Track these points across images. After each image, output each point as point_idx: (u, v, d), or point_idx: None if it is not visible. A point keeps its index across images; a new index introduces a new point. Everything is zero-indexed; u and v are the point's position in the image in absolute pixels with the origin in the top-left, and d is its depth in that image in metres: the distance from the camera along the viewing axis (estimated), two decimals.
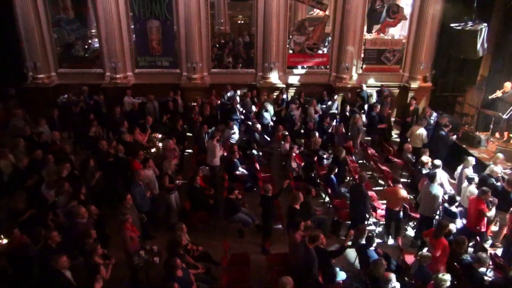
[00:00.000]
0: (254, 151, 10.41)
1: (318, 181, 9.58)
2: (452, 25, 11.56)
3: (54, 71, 13.47)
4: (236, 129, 11.14)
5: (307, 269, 5.96)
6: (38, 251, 6.03)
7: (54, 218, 6.80)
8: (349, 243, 6.54)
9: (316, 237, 6.11)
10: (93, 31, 13.31)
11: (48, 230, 6.13)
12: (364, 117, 12.45)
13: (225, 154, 9.93)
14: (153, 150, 9.77)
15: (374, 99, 13.23)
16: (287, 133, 10.78)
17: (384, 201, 8.07)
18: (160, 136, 10.37)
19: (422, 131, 10.28)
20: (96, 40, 13.32)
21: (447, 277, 5.35)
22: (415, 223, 8.33)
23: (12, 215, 6.88)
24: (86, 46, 13.51)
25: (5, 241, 6.12)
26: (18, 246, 6.04)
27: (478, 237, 7.11)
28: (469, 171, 8.31)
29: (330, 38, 13.59)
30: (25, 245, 6.15)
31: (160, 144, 9.91)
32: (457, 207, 7.52)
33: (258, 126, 11.07)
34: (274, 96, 13.23)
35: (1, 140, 9.69)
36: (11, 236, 6.10)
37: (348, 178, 10.07)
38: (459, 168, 8.66)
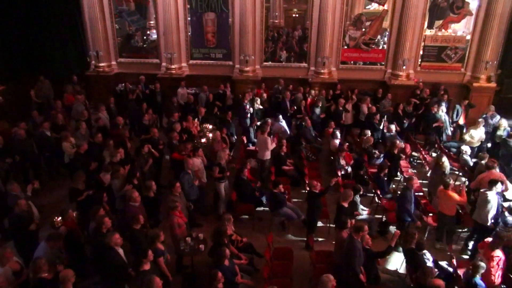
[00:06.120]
0: (303, 147, 10.33)
1: (367, 180, 9.35)
2: None
3: (114, 60, 14.11)
4: (284, 123, 11.09)
5: (347, 259, 5.86)
6: (93, 231, 6.37)
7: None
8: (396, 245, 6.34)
9: (360, 227, 5.96)
10: (151, 22, 13.75)
11: (102, 214, 6.38)
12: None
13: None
14: (203, 140, 9.98)
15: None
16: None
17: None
18: (210, 127, 10.56)
19: (479, 133, 9.73)
20: (154, 31, 13.77)
21: None
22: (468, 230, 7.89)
23: (71, 195, 7.33)
24: (145, 37, 13.99)
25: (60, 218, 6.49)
26: (71, 229, 6.38)
27: None
28: None
29: (387, 34, 13.12)
30: (76, 230, 6.50)
31: (210, 135, 10.10)
32: None
33: (308, 121, 10.95)
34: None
35: (66, 123, 10.31)
36: (65, 216, 6.46)
37: (399, 178, 9.76)
38: None
